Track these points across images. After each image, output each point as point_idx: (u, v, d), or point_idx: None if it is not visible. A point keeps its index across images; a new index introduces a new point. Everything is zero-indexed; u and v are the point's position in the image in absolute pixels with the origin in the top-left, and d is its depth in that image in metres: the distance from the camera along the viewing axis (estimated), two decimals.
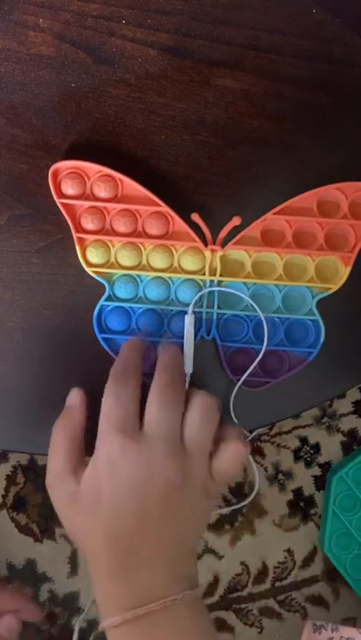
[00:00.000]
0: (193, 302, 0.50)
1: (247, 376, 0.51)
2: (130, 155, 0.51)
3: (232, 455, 0.46)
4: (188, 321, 0.50)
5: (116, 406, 0.45)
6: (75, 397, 0.50)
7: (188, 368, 0.49)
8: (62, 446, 0.47)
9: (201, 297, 0.51)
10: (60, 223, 0.51)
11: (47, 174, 0.49)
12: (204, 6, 0.50)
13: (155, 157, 0.51)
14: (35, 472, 0.74)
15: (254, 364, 0.51)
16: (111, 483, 0.44)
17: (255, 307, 0.50)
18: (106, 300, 0.51)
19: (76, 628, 0.53)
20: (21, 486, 0.74)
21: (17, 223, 0.52)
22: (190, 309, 0.50)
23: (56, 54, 0.50)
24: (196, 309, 0.51)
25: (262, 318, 0.50)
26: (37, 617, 0.64)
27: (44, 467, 0.74)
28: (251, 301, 0.50)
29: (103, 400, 0.46)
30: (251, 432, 0.55)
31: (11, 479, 0.74)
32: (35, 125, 0.51)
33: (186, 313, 0.50)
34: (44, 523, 0.75)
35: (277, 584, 0.79)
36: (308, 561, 0.80)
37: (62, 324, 0.53)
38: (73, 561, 0.75)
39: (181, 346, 0.50)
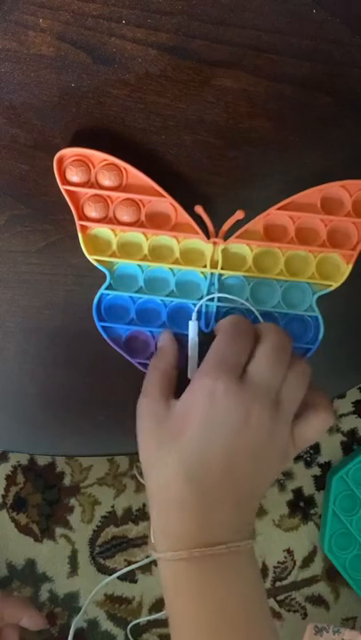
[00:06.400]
0: (195, 310, 0.50)
1: None
2: (130, 155, 0.51)
3: (320, 425, 0.46)
4: (192, 327, 0.50)
5: (229, 350, 0.45)
6: (164, 338, 0.51)
7: (192, 374, 0.49)
8: (155, 378, 0.48)
9: (200, 290, 0.51)
10: (60, 223, 0.51)
11: (47, 174, 0.49)
12: (204, 6, 0.50)
13: (155, 157, 0.51)
14: (35, 472, 0.74)
15: None
16: (205, 413, 0.44)
17: (254, 311, 0.50)
18: (106, 289, 0.51)
19: (72, 628, 0.54)
20: (21, 486, 0.74)
21: (17, 223, 0.52)
22: (194, 316, 0.50)
23: (56, 54, 0.50)
24: (196, 302, 0.51)
25: (260, 319, 0.50)
26: (41, 625, 0.64)
27: (44, 467, 0.74)
28: (247, 304, 0.51)
29: (217, 341, 0.47)
30: None
31: (11, 479, 0.74)
32: (35, 125, 0.51)
33: (186, 305, 0.50)
34: (44, 523, 0.75)
35: (277, 584, 0.79)
36: (308, 561, 0.80)
37: (62, 324, 0.53)
38: (73, 561, 0.75)
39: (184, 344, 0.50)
